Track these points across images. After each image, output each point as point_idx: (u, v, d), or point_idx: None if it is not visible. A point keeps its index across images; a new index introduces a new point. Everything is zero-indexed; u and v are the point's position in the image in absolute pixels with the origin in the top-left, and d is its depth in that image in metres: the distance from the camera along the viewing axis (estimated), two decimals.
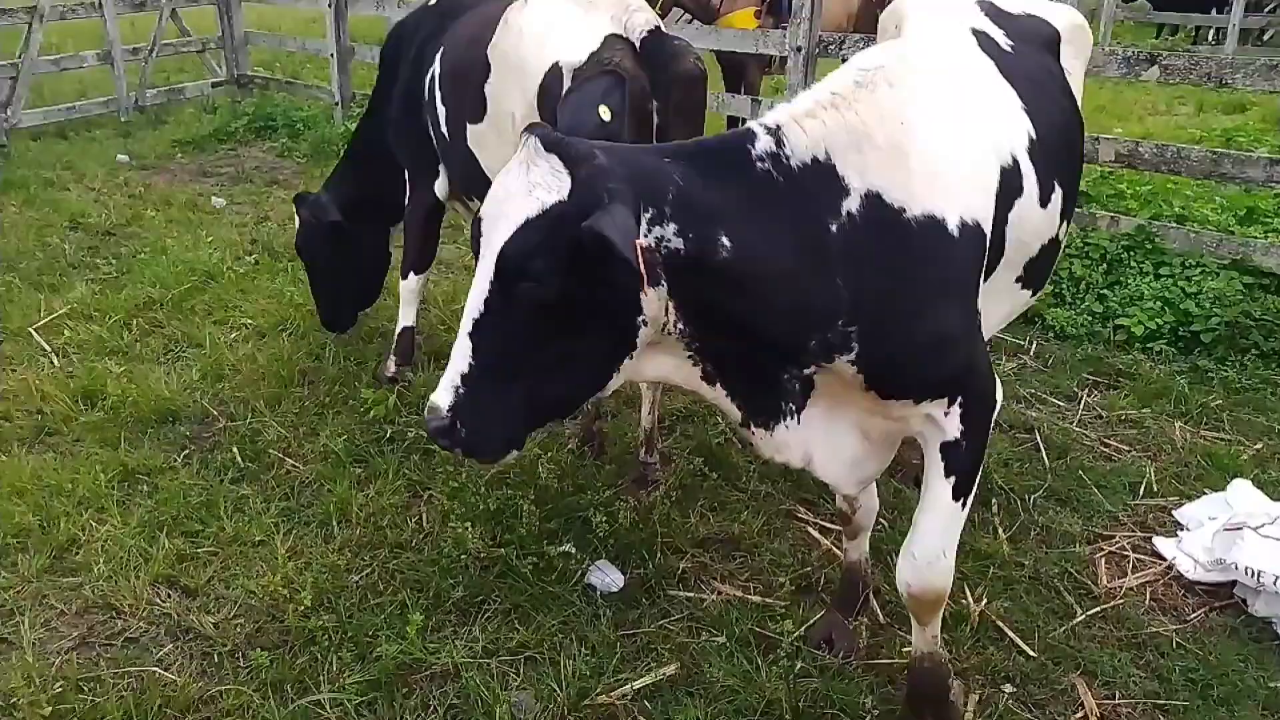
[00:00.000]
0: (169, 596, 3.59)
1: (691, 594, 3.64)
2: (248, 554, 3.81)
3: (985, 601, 3.62)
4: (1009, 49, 3.09)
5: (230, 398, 4.94)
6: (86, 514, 4.00)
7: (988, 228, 2.55)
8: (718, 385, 2.52)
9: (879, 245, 2.36)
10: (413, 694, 3.17)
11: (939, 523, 2.70)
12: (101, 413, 4.74)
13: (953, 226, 2.44)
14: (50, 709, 2.99)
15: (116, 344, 5.53)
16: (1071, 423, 4.94)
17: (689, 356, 2.44)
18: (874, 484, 3.04)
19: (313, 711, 3.07)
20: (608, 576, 3.65)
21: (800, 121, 2.37)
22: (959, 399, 2.59)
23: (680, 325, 2.33)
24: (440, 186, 4.79)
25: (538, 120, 3.01)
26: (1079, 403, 5.15)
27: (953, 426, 2.61)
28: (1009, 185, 2.70)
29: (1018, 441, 4.78)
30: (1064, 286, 6.14)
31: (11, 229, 7.14)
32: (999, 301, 2.99)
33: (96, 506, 4.05)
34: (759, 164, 2.33)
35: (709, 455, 4.48)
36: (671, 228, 2.20)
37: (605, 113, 2.61)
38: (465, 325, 2.22)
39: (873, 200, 2.37)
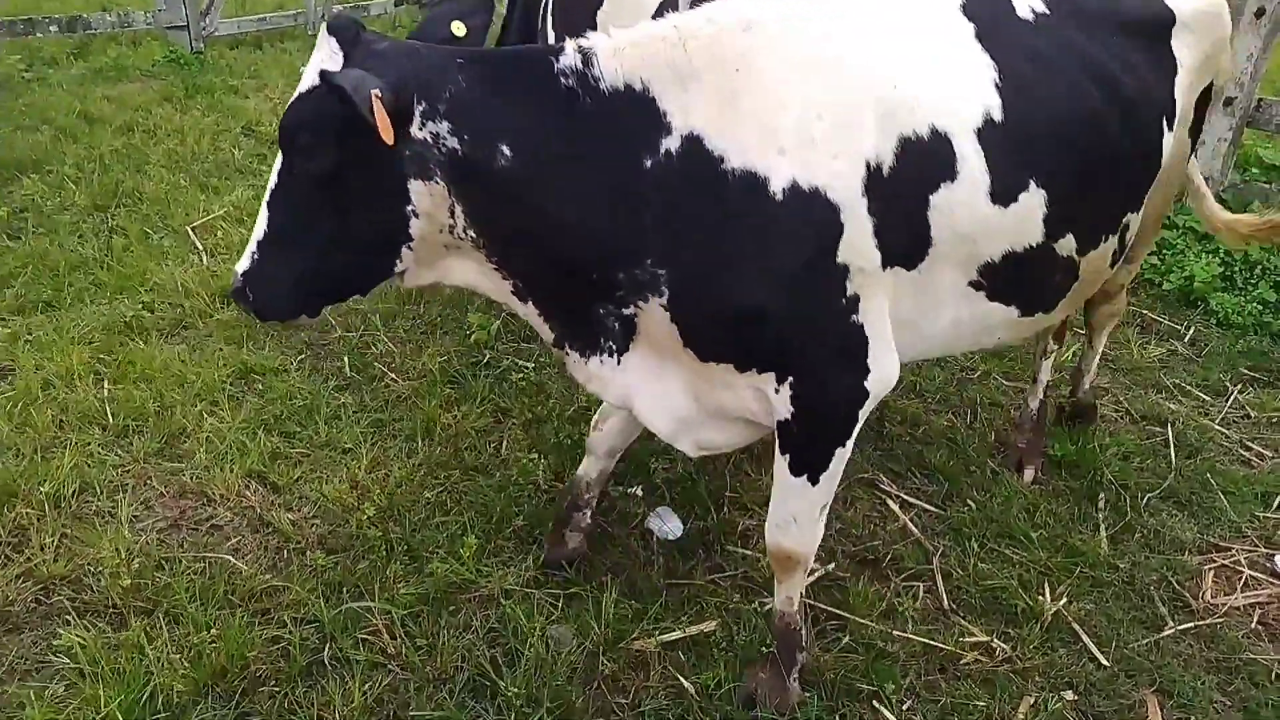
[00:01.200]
0: (257, 491, 3.80)
1: (749, 552, 3.56)
2: (335, 459, 3.98)
3: (1065, 601, 3.38)
4: (1028, 17, 2.74)
5: (350, 310, 5.14)
6: (200, 405, 4.27)
7: (845, 198, 2.29)
8: (529, 303, 2.53)
9: (693, 192, 2.26)
10: (459, 612, 3.25)
11: (780, 494, 2.70)
12: (232, 312, 5.02)
13: (777, 187, 2.25)
14: (129, 581, 3.23)
15: None
16: (1213, 420, 4.51)
17: (494, 268, 2.46)
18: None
19: (362, 616, 3.20)
20: (667, 524, 3.62)
21: (620, 48, 2.32)
22: (788, 379, 2.44)
23: (470, 232, 2.36)
24: None
25: None
26: (1227, 399, 4.69)
27: (783, 406, 2.48)
28: (917, 161, 2.38)
29: (1146, 434, 4.41)
30: (1236, 270, 5.57)
31: (191, 132, 7.61)
32: (941, 305, 2.63)
33: (210, 400, 4.31)
34: (562, 80, 2.30)
35: None
36: (445, 125, 2.24)
37: (459, 28, 2.61)
38: (265, 195, 2.41)
39: (693, 143, 2.26)
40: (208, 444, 4.02)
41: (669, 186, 2.27)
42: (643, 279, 2.35)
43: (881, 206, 2.33)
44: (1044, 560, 3.55)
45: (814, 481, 2.61)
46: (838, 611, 3.30)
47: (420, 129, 2.24)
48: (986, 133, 2.47)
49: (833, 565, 3.50)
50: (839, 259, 2.32)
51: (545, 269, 2.45)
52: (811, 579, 3.40)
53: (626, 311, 2.46)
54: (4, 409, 4.11)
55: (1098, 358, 4.22)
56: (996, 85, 2.52)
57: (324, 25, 2.32)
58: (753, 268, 2.29)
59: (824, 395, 2.49)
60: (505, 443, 4.09)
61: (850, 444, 2.61)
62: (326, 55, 2.28)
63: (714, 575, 3.46)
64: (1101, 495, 3.94)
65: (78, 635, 3.03)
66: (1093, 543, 3.65)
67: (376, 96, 2.09)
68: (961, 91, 2.49)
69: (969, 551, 3.61)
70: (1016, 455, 4.11)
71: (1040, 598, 3.38)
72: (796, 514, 2.69)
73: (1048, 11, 2.77)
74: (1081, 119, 2.66)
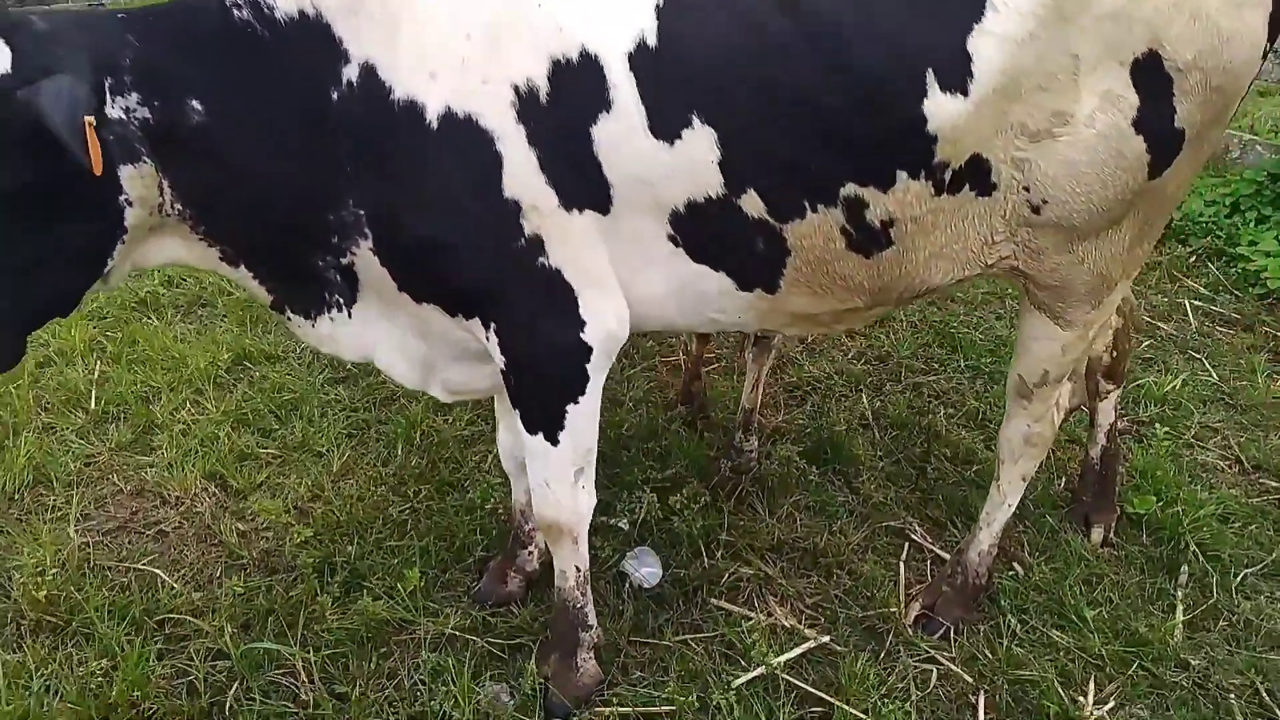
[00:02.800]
0: (214, 495, 3.52)
1: (735, 609, 3.05)
2: (304, 464, 3.67)
3: (1111, 706, 2.75)
4: None
5: None
6: (186, 393, 4.04)
7: (498, 126, 2.12)
8: (240, 267, 2.35)
9: (371, 125, 2.12)
10: (389, 657, 2.88)
11: (528, 456, 2.54)
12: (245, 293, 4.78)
13: (432, 116, 2.11)
14: (44, 594, 2.98)
15: None
16: None
17: (199, 239, 2.26)
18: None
19: (276, 655, 2.86)
20: (644, 568, 3.14)
21: None
22: (492, 324, 2.32)
23: (178, 206, 2.17)
24: None
25: None
26: None
27: (496, 354, 2.37)
28: (571, 88, 2.12)
29: (1258, 491, 3.65)
30: None
31: None
32: (652, 262, 2.34)
33: (196, 388, 4.07)
34: (235, 12, 2.09)
35: (819, 445, 3.77)
36: (134, 96, 2.03)
37: None
38: None
39: (369, 73, 2.11)
40: (179, 438, 3.76)
41: (355, 119, 2.12)
42: (349, 221, 2.22)
43: (543, 138, 2.13)
44: (1096, 649, 2.91)
45: (552, 440, 2.46)
46: (821, 694, 2.76)
47: (113, 107, 2.01)
48: (639, 59, 2.13)
49: (829, 637, 2.95)
50: (506, 194, 2.16)
51: (256, 227, 2.26)
52: (798, 651, 2.88)
53: (344, 260, 2.31)
54: None
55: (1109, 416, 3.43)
56: (658, 7, 2.15)
57: None
58: (423, 200, 2.16)
59: (532, 345, 2.35)
60: (488, 457, 3.69)
61: (588, 402, 2.43)
62: None
63: (688, 635, 2.97)
64: (1184, 568, 3.24)
65: None
66: (1162, 630, 2.98)
67: (90, 125, 1.86)
68: (613, 11, 2.15)
69: (1004, 630, 3.00)
70: (1083, 511, 3.45)
71: (1081, 699, 2.76)
72: (548, 478, 2.54)
73: None
74: (760, 51, 2.13)
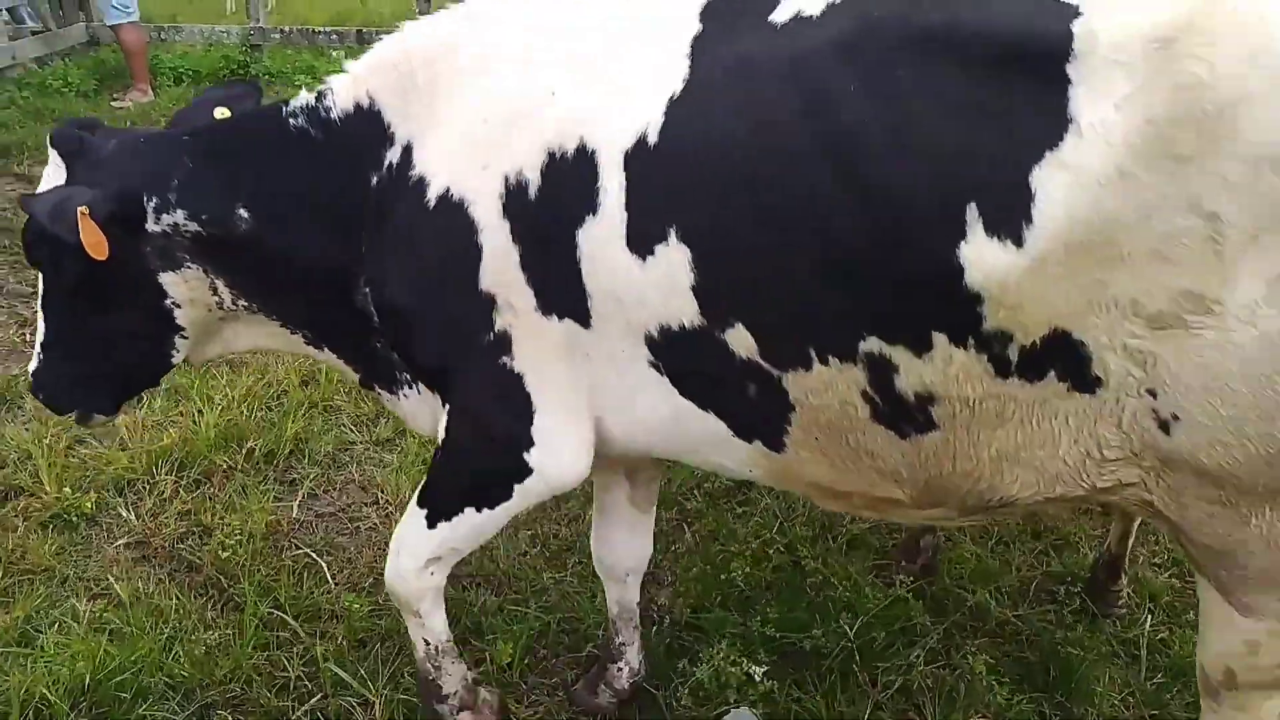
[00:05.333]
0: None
1: None
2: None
3: None
4: (783, 19, 1.81)
5: None
6: None
7: (484, 217, 2.03)
8: (325, 350, 2.48)
9: (389, 197, 2.16)
10: None
11: (406, 512, 2.44)
12: None
13: (432, 195, 2.09)
14: (226, 554, 3.32)
15: None
16: None
17: (280, 326, 2.45)
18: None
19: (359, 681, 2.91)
20: None
21: (357, 71, 2.24)
22: (447, 406, 2.27)
23: (241, 302, 2.39)
24: None
25: None
26: None
27: (440, 430, 2.31)
28: (561, 184, 1.95)
29: None
30: None
31: None
32: (637, 387, 2.05)
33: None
34: (292, 122, 2.25)
35: None
36: (180, 213, 2.26)
37: (222, 114, 2.48)
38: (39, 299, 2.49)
39: (406, 152, 2.15)
40: (421, 446, 3.97)
41: (385, 197, 2.17)
42: (362, 299, 2.29)
43: (527, 235, 2.00)
44: None
45: (430, 522, 2.35)
46: None
47: (156, 224, 2.27)
48: (636, 158, 1.86)
49: None
50: (482, 286, 2.06)
51: (320, 313, 2.40)
52: None
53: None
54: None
55: None
56: (672, 98, 1.84)
57: (49, 136, 2.36)
58: (404, 272, 2.16)
59: (471, 439, 2.26)
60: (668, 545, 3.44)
61: (489, 518, 2.30)
62: (52, 169, 2.33)
63: None
64: None
65: None
66: None
67: (83, 213, 2.12)
68: (624, 102, 1.90)
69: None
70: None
71: None
72: (403, 544, 2.42)
73: (826, 13, 1.77)
74: (761, 157, 1.75)
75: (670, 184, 1.84)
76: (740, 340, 1.87)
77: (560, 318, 2.03)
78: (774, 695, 2.79)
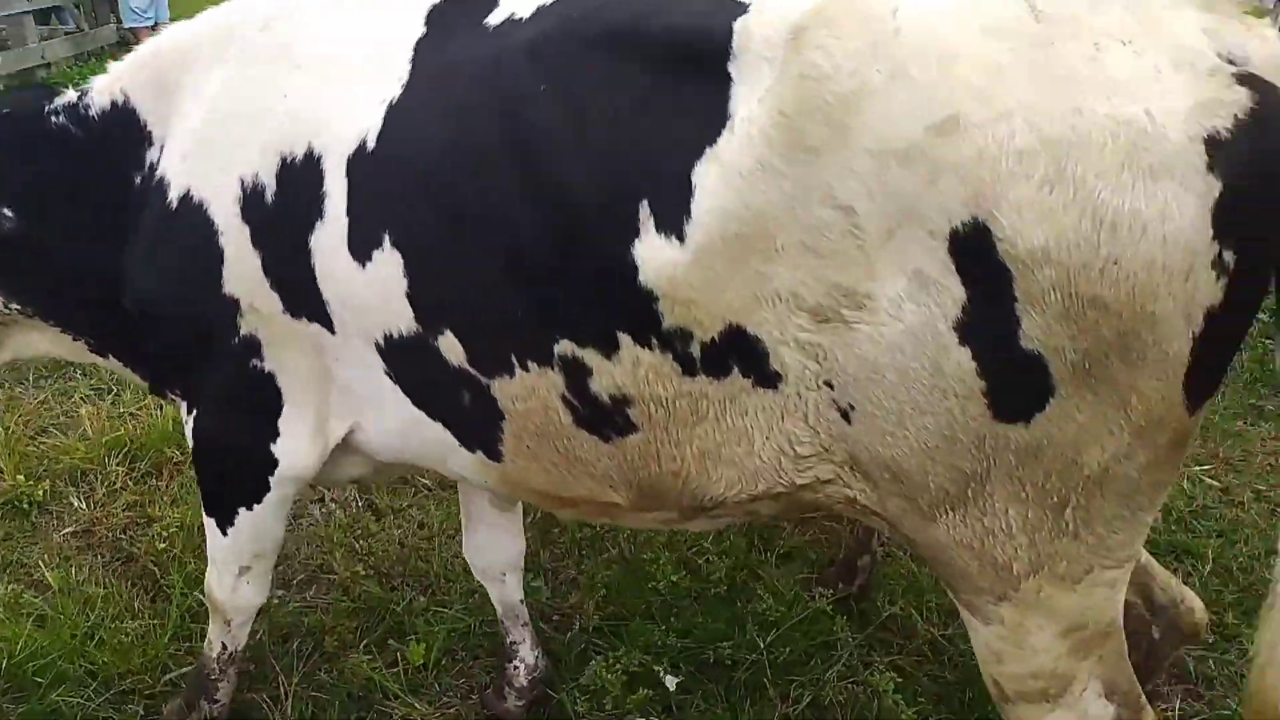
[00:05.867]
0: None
1: None
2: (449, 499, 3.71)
3: None
4: (496, 22, 1.84)
5: None
6: None
7: (224, 220, 2.03)
8: (110, 357, 2.45)
9: (144, 200, 2.15)
10: None
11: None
12: None
13: (175, 196, 2.09)
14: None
15: None
16: None
17: (62, 332, 2.42)
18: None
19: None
20: None
21: (120, 67, 2.26)
22: (186, 402, 2.34)
23: (14, 305, 2.37)
24: None
25: None
26: None
27: (188, 430, 2.35)
28: (294, 189, 1.94)
29: None
30: None
31: None
32: (380, 396, 2.05)
33: None
34: (52, 119, 2.24)
35: None
36: None
37: None
38: None
39: (159, 153, 2.16)
40: None
41: (143, 200, 2.16)
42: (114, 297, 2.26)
43: (267, 239, 2.00)
44: None
45: (221, 530, 2.43)
46: None
47: None
48: (356, 163, 1.87)
49: None
50: (225, 289, 2.06)
51: (99, 318, 2.34)
52: None
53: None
54: None
55: None
56: (390, 103, 1.85)
57: None
58: (151, 273, 2.17)
59: (219, 433, 2.29)
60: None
61: (263, 512, 2.35)
62: None
63: None
64: None
65: None
66: None
67: None
68: (351, 106, 1.89)
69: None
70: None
71: None
72: (213, 557, 2.52)
73: (533, 16, 1.79)
74: (458, 161, 1.76)
75: (385, 190, 1.84)
76: (451, 347, 1.87)
77: (309, 321, 2.03)
78: (677, 705, 2.76)
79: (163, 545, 3.39)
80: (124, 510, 3.64)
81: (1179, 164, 1.33)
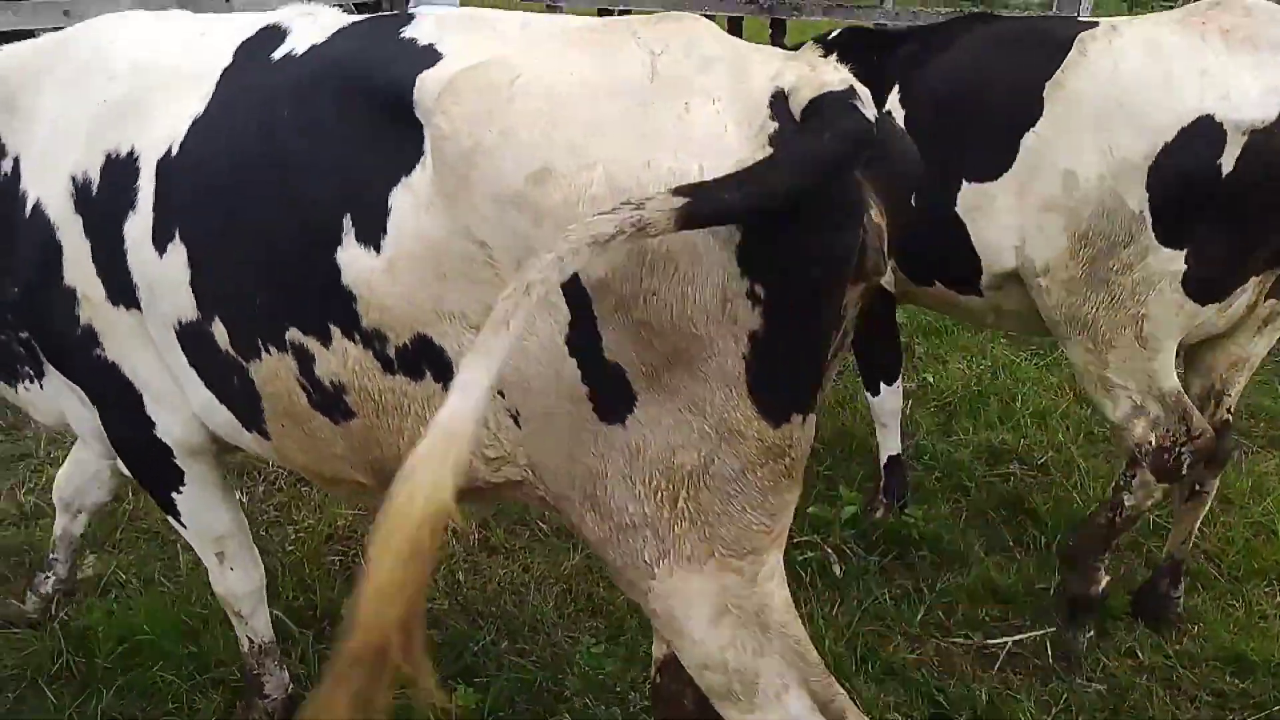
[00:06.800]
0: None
1: None
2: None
3: None
4: (278, 56, 2.13)
5: None
6: None
7: (60, 215, 2.30)
8: None
9: (7, 204, 2.38)
10: None
11: None
12: None
13: (26, 198, 2.36)
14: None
15: None
16: None
17: None
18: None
19: None
20: None
21: None
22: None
23: None
24: None
25: (1134, 181, 2.74)
26: None
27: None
28: (114, 185, 2.22)
29: None
30: None
31: None
32: (189, 376, 2.28)
33: None
34: None
35: None
36: None
37: None
38: None
39: (14, 164, 2.40)
40: None
41: (4, 203, 2.38)
42: (3, 294, 2.47)
43: (93, 230, 2.26)
44: None
45: (179, 522, 2.65)
46: None
47: None
48: (164, 163, 2.17)
49: None
50: (65, 280, 2.31)
51: None
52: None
53: (23, 334, 2.53)
54: None
55: None
56: (194, 118, 2.16)
57: None
58: (13, 271, 2.40)
59: (113, 433, 2.54)
60: None
61: (194, 492, 2.56)
62: None
63: None
64: None
65: None
66: None
67: None
68: (167, 118, 2.19)
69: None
70: None
71: None
72: (199, 554, 2.73)
73: (304, 55, 2.10)
74: (230, 169, 2.07)
75: (180, 190, 2.13)
76: (220, 333, 2.13)
77: (127, 307, 2.26)
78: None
79: (290, 548, 3.63)
80: (273, 509, 3.93)
81: None
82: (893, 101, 3.38)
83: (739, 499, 1.75)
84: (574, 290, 1.65)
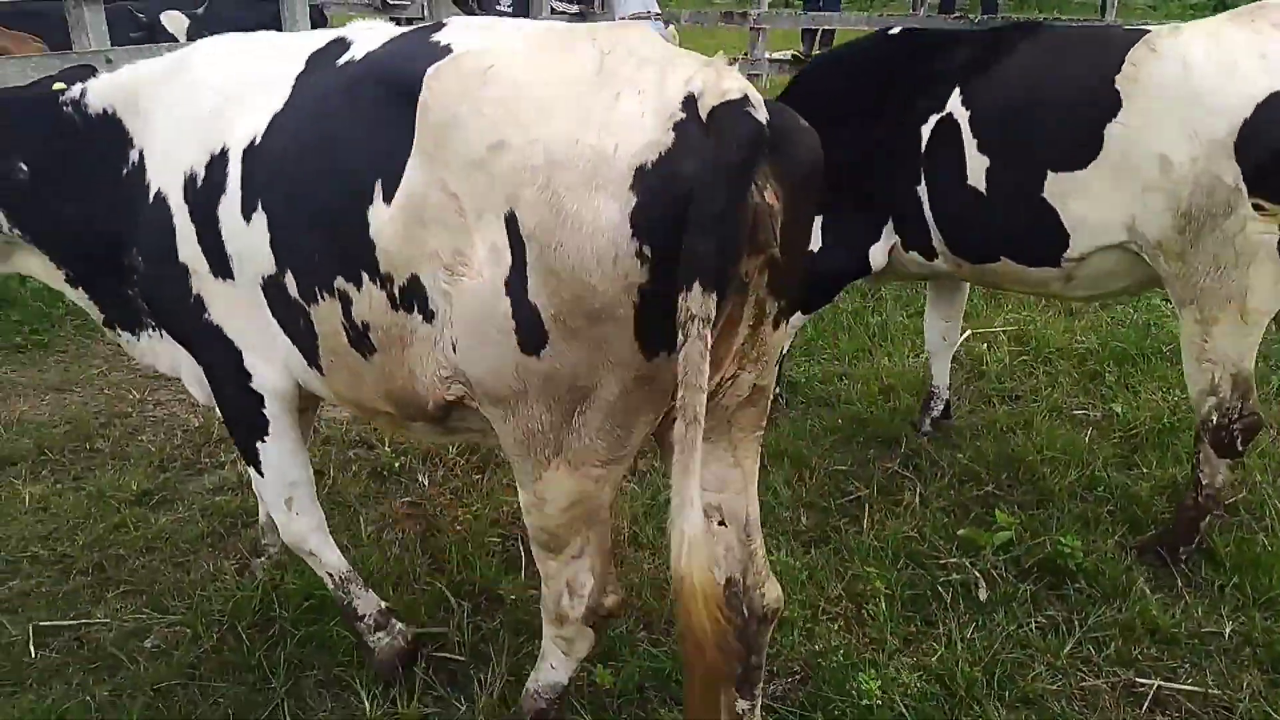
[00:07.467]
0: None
1: None
2: None
3: None
4: (341, 63, 2.61)
5: None
6: None
7: (176, 204, 2.78)
8: (80, 289, 3.18)
9: (138, 195, 2.86)
10: None
11: None
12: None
13: (150, 187, 2.85)
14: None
15: None
16: None
17: (50, 261, 3.14)
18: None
19: None
20: None
21: (104, 81, 3.01)
22: (199, 364, 3.07)
23: (17, 231, 3.10)
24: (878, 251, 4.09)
25: (1214, 163, 3.14)
26: None
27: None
28: (214, 175, 2.71)
29: None
30: None
31: None
32: (276, 332, 2.77)
33: None
34: (64, 108, 2.99)
35: None
36: None
37: (59, 86, 3.09)
38: None
39: (141, 155, 2.90)
40: None
41: (133, 188, 2.87)
42: (132, 264, 2.94)
43: (199, 214, 2.73)
44: None
45: (258, 472, 3.06)
46: None
47: None
48: (248, 153, 2.64)
49: None
50: (180, 257, 2.79)
51: (79, 259, 3.10)
52: None
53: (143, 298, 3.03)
54: None
55: None
56: (274, 114, 2.63)
57: None
58: (145, 247, 2.88)
59: (216, 386, 3.00)
60: None
61: (276, 441, 2.97)
62: None
63: None
64: None
65: None
66: None
67: None
68: (251, 118, 2.67)
69: None
70: None
71: None
72: (268, 503, 3.20)
73: (357, 59, 2.58)
74: (297, 150, 2.55)
75: (261, 171, 2.59)
76: (290, 283, 2.58)
77: (224, 278, 2.73)
78: None
79: (459, 528, 3.93)
80: (449, 492, 4.27)
81: (614, 183, 1.99)
82: (954, 103, 3.69)
83: (613, 419, 2.23)
84: (515, 239, 2.08)
